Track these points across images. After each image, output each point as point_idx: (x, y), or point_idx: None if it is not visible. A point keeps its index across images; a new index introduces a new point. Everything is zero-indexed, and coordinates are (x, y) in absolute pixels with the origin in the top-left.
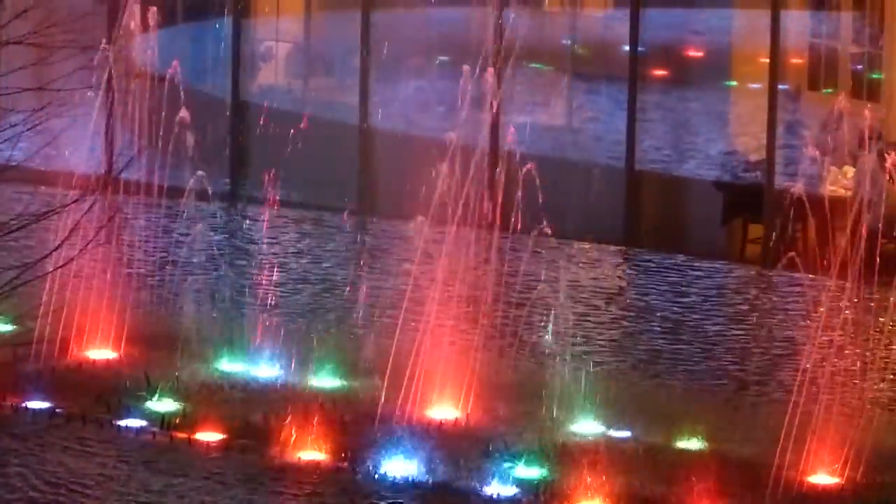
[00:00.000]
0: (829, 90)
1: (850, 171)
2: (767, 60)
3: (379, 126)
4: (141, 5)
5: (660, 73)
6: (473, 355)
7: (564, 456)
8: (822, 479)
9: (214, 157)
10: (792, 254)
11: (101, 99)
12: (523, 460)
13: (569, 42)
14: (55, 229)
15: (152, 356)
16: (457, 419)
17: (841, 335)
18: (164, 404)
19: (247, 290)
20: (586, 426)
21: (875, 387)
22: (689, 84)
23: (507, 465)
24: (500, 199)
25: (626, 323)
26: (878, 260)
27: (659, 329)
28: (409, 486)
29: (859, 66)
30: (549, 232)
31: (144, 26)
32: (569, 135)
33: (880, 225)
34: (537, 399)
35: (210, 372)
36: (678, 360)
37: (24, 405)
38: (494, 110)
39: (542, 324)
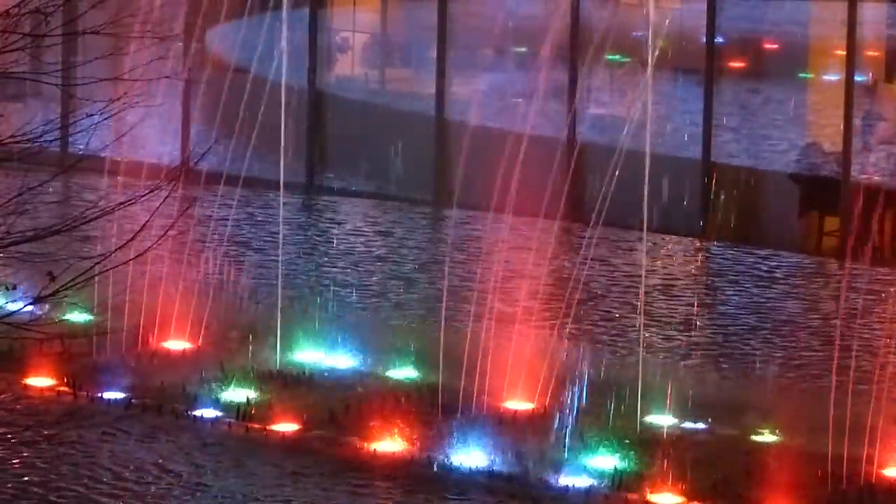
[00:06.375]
0: None
1: None
2: (843, 52)
3: (455, 118)
4: None
5: (736, 64)
6: (554, 347)
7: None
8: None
9: (290, 147)
10: (869, 247)
11: (178, 89)
12: (599, 451)
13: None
14: (131, 219)
15: (228, 346)
16: (532, 409)
17: None
18: (239, 394)
19: (324, 279)
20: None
21: None
22: (764, 76)
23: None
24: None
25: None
26: None
27: (746, 323)
28: (485, 476)
29: None
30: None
31: (221, 16)
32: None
33: None
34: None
35: (286, 362)
36: (768, 353)
37: (99, 395)
38: (572, 101)
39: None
